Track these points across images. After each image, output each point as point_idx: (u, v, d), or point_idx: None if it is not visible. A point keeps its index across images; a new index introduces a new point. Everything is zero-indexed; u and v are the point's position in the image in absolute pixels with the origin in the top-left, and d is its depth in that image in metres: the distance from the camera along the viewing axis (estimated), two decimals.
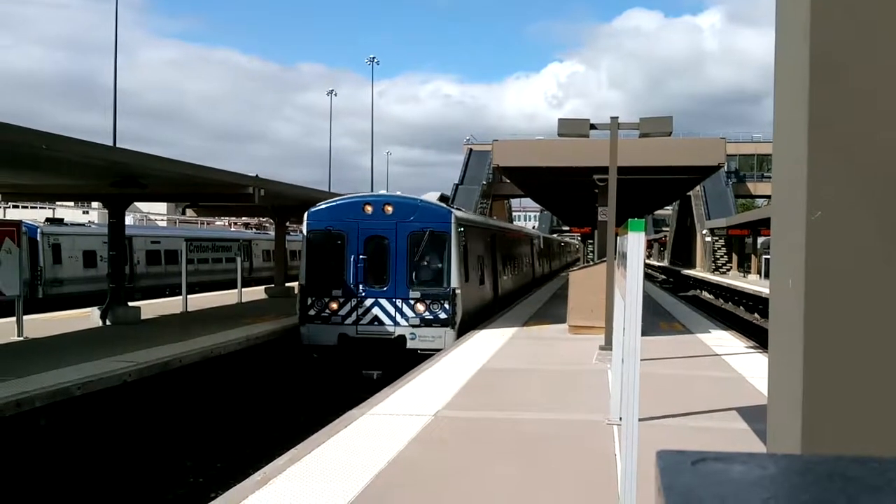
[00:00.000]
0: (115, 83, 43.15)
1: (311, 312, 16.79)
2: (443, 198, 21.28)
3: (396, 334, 16.51)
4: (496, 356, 13.40)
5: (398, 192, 18.77)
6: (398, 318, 16.56)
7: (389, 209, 16.81)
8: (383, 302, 16.65)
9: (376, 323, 16.62)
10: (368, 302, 16.70)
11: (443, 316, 16.45)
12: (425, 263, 16.91)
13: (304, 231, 17.36)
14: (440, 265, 16.80)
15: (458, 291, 16.53)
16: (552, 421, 8.61)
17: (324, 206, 17.31)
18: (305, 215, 17.32)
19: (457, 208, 21.53)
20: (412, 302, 16.54)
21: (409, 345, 16.34)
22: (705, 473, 0.62)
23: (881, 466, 0.63)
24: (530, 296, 28.36)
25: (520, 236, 33.74)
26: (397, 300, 16.59)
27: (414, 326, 16.46)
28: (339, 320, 16.64)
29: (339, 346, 16.57)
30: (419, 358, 14.24)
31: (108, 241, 19.32)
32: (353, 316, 16.70)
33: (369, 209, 16.87)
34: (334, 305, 16.69)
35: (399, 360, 15.28)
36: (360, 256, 16.75)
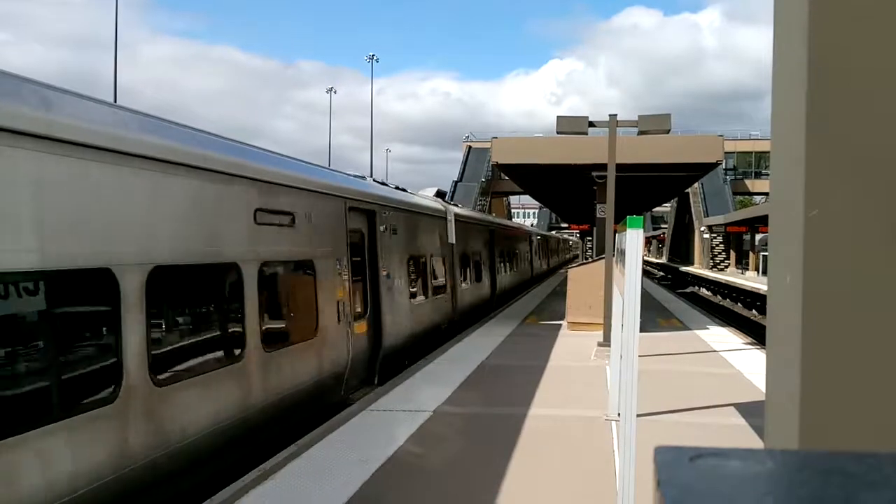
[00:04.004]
0: (116, 81, 43.16)
1: None
2: None
3: None
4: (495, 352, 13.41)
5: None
6: None
7: None
8: None
9: None
10: None
11: None
12: None
13: None
14: None
15: None
16: (551, 416, 8.63)
17: None
18: None
19: None
20: None
21: None
22: (703, 469, 0.62)
23: (879, 462, 0.63)
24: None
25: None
26: None
27: None
28: None
29: None
30: None
31: None
32: None
33: None
34: None
35: None
36: None
